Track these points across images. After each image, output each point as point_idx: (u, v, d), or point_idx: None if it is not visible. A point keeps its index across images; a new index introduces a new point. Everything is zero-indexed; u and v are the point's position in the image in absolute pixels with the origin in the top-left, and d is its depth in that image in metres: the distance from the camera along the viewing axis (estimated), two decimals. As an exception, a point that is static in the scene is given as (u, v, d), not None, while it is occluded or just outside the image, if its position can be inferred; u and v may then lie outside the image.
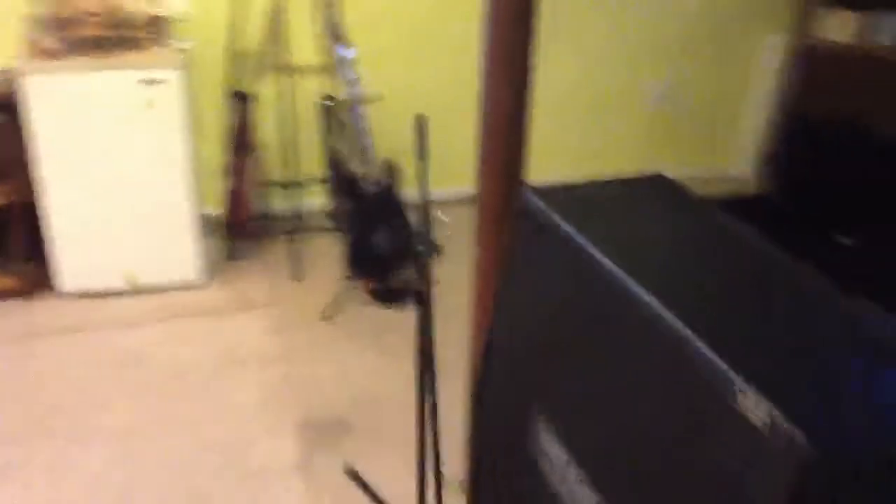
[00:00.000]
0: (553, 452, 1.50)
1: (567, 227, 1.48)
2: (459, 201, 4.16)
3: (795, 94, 4.18)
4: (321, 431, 2.51)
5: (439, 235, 1.62)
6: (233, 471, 2.33)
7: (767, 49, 4.24)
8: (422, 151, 1.60)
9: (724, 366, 1.08)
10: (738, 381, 1.05)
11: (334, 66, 3.38)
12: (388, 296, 3.17)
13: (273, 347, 2.91)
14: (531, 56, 1.72)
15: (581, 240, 1.44)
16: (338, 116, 3.15)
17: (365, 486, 2.27)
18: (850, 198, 3.63)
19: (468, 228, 3.75)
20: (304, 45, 3.49)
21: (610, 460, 1.34)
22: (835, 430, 0.97)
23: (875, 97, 3.82)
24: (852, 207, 3.61)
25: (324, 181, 3.51)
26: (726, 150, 4.50)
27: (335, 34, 2.91)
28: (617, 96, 4.15)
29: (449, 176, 4.05)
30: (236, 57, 3.33)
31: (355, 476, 2.31)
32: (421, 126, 1.60)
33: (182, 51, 3.00)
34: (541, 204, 1.57)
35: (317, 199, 3.85)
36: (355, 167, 3.08)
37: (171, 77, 2.95)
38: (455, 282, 3.39)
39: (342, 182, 3.06)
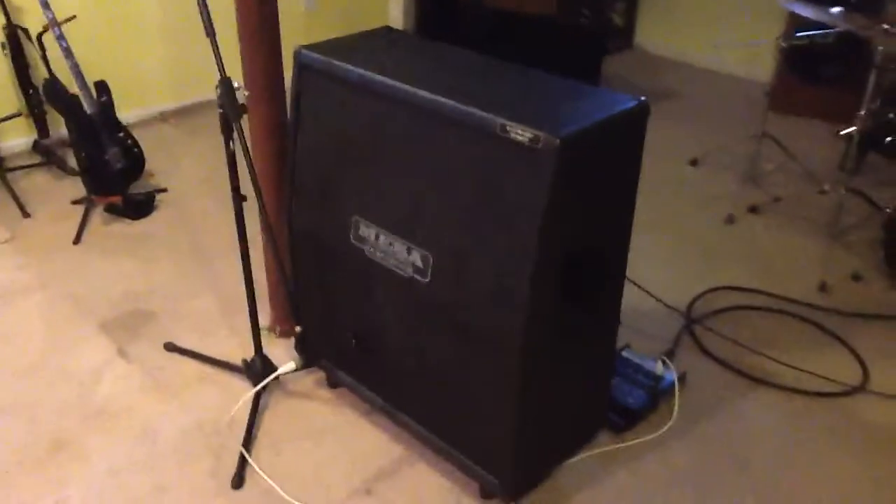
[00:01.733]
0: (370, 236, 2.00)
1: (344, 65, 1.96)
2: (160, 116, 4.33)
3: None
4: (120, 328, 2.72)
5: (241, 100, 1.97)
6: (58, 384, 2.49)
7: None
8: (208, 30, 1.93)
9: (491, 113, 1.66)
10: (504, 120, 1.64)
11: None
12: (130, 208, 3.34)
13: (33, 276, 2.98)
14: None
15: (358, 69, 1.93)
16: (32, 43, 3.16)
17: (189, 353, 2.59)
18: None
19: (169, 144, 3.96)
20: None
21: (418, 217, 1.88)
22: (560, 128, 1.60)
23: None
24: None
25: (27, 114, 3.49)
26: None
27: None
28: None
29: (143, 94, 4.20)
30: None
31: (176, 348, 2.61)
32: (203, 6, 1.92)
33: None
34: (316, 55, 2.02)
35: (14, 137, 3.77)
36: (66, 90, 3.16)
37: None
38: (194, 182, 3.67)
39: (62, 107, 3.12)
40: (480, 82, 1.90)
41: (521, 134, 1.61)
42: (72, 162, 3.66)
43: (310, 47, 2.05)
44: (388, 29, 2.26)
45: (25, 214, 3.35)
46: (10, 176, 3.54)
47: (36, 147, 3.73)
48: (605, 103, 1.73)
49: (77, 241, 3.19)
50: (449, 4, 4.76)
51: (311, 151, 2.12)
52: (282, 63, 2.28)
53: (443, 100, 1.75)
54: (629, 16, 5.59)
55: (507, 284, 1.73)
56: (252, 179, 2.00)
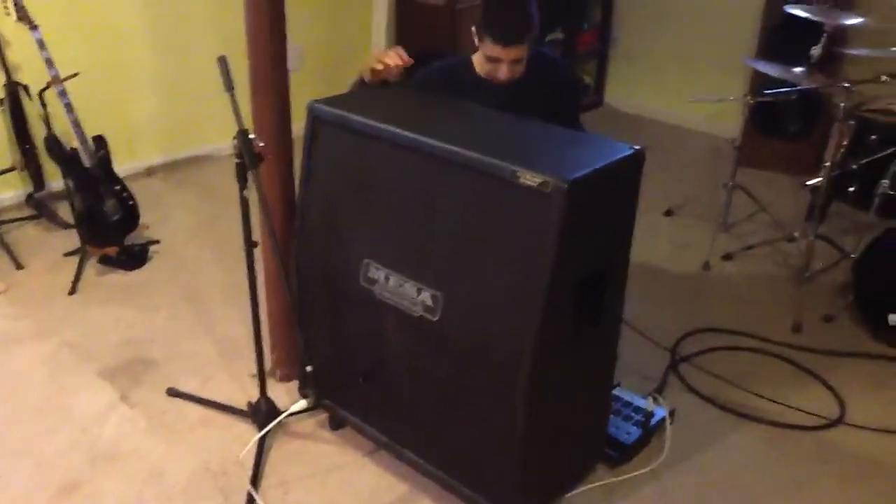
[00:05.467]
0: (379, 278, 2.10)
1: (356, 116, 2.08)
2: (147, 171, 4.41)
3: (401, 38, 5.18)
4: (121, 375, 2.76)
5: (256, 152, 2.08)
6: (63, 428, 2.52)
7: (377, 5, 5.12)
8: (228, 85, 2.05)
9: (501, 160, 1.79)
10: (515, 167, 1.77)
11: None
12: (126, 259, 3.40)
13: (30, 326, 3.01)
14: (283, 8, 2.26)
15: (370, 121, 2.05)
16: (32, 99, 3.25)
17: (192, 397, 2.64)
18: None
19: (157, 197, 4.01)
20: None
21: (429, 258, 1.99)
22: (567, 174, 1.73)
23: (454, 38, 4.94)
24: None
25: (21, 168, 3.55)
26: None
27: (22, 16, 3.02)
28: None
29: (132, 149, 4.29)
30: None
31: (179, 393, 2.66)
32: (223, 64, 2.04)
33: None
34: (327, 108, 2.15)
35: (5, 191, 3.83)
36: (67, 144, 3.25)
37: None
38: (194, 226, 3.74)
39: (62, 160, 3.20)
40: (486, 131, 2.04)
41: (531, 179, 1.74)
42: (64, 215, 3.72)
43: (321, 101, 2.17)
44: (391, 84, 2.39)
45: (19, 266, 3.38)
46: (1, 229, 3.58)
47: (29, 200, 3.78)
48: (606, 151, 1.88)
49: (73, 291, 3.23)
50: (428, 62, 4.96)
51: (321, 198, 2.22)
52: (290, 114, 2.41)
53: (455, 148, 1.87)
54: (599, 75, 5.84)
55: (516, 321, 1.84)
56: (268, 223, 2.09)
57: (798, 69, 3.39)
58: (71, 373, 2.75)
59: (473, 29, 2.36)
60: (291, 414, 2.15)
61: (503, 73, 2.34)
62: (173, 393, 2.65)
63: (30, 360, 2.82)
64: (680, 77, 5.35)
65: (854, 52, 3.80)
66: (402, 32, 5.20)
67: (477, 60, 2.45)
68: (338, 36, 5.08)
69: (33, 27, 3.05)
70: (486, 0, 2.37)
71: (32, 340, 2.93)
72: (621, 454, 2.38)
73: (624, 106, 5.79)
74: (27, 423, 2.51)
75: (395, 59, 2.24)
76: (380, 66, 2.24)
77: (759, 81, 4.33)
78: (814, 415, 2.65)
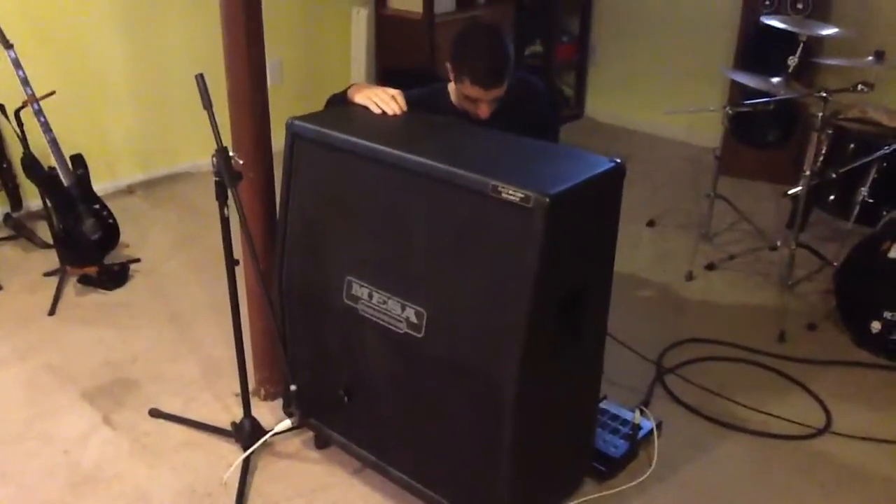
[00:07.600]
0: (363, 295, 2.09)
1: (336, 133, 2.07)
2: (127, 189, 4.38)
3: (380, 51, 5.19)
4: (102, 396, 2.72)
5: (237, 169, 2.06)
6: (43, 452, 2.48)
7: (356, 20, 5.12)
8: (206, 102, 2.03)
9: (482, 175, 1.79)
10: (496, 182, 1.76)
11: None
12: (106, 278, 3.36)
13: (9, 348, 2.96)
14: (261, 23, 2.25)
15: (351, 137, 2.04)
16: (9, 118, 3.22)
17: (175, 418, 2.60)
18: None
19: (137, 215, 3.97)
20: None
21: (412, 274, 1.98)
22: (549, 188, 1.73)
23: (432, 51, 4.95)
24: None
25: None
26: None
27: (-1, 36, 3.00)
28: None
29: (112, 167, 4.25)
30: None
31: (161, 414, 2.62)
32: (201, 82, 2.03)
33: None
34: (307, 125, 2.13)
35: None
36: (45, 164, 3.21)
37: None
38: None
39: (40, 180, 3.17)
40: (467, 146, 2.04)
41: (512, 194, 1.73)
42: (42, 234, 3.68)
43: (300, 118, 2.16)
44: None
45: (-3, 288, 3.34)
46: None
47: (7, 220, 3.74)
48: (586, 164, 1.88)
49: (52, 311, 3.19)
50: (410, 78, 4.96)
51: (302, 215, 2.21)
52: (270, 131, 2.39)
53: (435, 164, 1.87)
54: (579, 86, 5.87)
55: (501, 335, 1.83)
56: (249, 242, 2.07)
57: (775, 79, 3.42)
58: (51, 395, 2.71)
59: (449, 65, 2.30)
60: (276, 433, 2.12)
61: (483, 111, 2.29)
62: (156, 414, 2.62)
63: (9, 382, 2.77)
64: (659, 88, 5.38)
65: (829, 61, 3.84)
66: (381, 46, 5.21)
67: (452, 91, 2.42)
68: (317, 49, 5.07)
69: (8, 46, 3.03)
70: (463, 40, 2.28)
71: (11, 362, 2.88)
72: (609, 468, 2.37)
73: (604, 117, 5.81)
74: (6, 447, 2.47)
75: (396, 110, 2.21)
76: (377, 111, 2.22)
77: (738, 91, 4.36)
78: (800, 424, 2.65)
